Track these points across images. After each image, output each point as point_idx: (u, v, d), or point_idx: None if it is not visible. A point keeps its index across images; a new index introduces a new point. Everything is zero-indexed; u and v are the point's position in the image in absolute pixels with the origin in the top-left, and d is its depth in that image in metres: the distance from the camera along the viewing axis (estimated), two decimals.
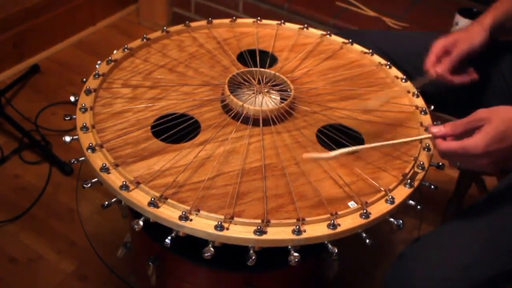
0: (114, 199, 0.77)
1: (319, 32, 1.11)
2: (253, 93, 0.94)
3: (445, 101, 1.08)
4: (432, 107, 0.95)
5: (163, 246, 0.73)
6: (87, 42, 2.02)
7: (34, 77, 1.83)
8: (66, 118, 0.87)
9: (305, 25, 1.13)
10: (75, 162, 0.84)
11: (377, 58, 1.05)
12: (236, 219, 0.72)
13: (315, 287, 1.02)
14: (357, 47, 1.08)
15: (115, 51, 1.01)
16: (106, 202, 0.77)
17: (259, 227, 0.71)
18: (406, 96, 0.98)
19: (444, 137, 0.76)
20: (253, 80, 0.97)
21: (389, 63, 1.04)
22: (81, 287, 1.25)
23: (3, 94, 1.66)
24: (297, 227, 0.72)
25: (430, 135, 0.78)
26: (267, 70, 0.98)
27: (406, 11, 1.74)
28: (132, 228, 0.74)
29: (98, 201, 1.28)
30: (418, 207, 0.78)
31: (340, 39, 1.10)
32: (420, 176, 0.82)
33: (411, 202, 0.79)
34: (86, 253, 1.27)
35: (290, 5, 1.79)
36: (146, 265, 0.90)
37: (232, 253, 0.75)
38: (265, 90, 0.95)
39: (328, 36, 1.11)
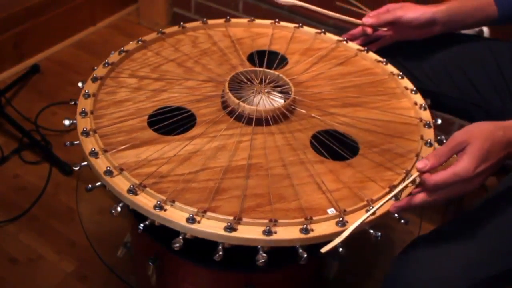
0: (98, 183, 0.79)
1: (335, 38, 1.10)
2: (252, 93, 0.94)
3: (445, 99, 1.08)
4: (429, 101, 0.96)
5: (163, 246, 0.73)
6: (87, 42, 2.02)
7: (34, 77, 1.83)
8: (71, 103, 0.90)
9: (323, 30, 1.12)
10: (69, 144, 0.85)
11: (390, 68, 1.03)
12: (209, 213, 0.72)
13: (315, 287, 1.02)
14: (372, 55, 1.06)
15: (131, 42, 1.04)
16: (90, 185, 0.79)
17: (229, 224, 0.71)
18: (412, 108, 0.95)
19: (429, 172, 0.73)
20: (255, 80, 0.97)
21: (401, 73, 1.02)
22: (81, 287, 1.25)
23: (3, 94, 1.66)
24: (268, 228, 0.71)
25: (418, 173, 0.73)
26: (271, 71, 0.98)
27: None
28: (110, 213, 0.75)
29: (98, 201, 1.28)
30: (402, 221, 0.76)
31: (356, 46, 1.08)
32: (408, 190, 0.78)
33: (396, 215, 0.76)
34: (86, 253, 1.27)
35: None
36: (146, 265, 0.90)
37: (232, 253, 0.75)
38: (266, 91, 0.95)
39: (344, 42, 1.09)
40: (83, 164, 0.81)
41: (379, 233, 0.74)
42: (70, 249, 1.32)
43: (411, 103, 0.96)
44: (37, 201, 1.41)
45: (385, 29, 1.05)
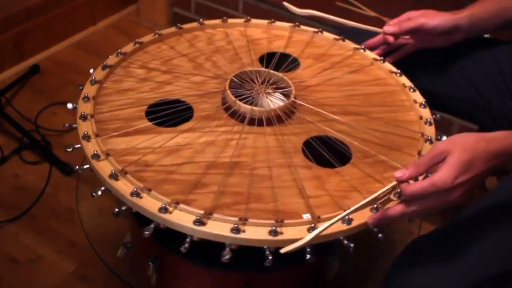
0: (86, 166, 0.81)
1: (352, 46, 1.09)
2: (251, 93, 0.94)
3: (445, 99, 1.08)
4: (438, 115, 0.94)
5: (163, 246, 0.74)
6: (87, 42, 2.02)
7: (34, 77, 1.83)
8: (79, 88, 0.92)
9: (342, 37, 1.10)
10: (68, 127, 0.87)
11: (403, 80, 1.01)
12: (181, 205, 0.73)
13: (315, 287, 1.02)
14: (387, 65, 1.04)
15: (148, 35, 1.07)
16: (77, 167, 0.81)
17: (198, 218, 0.72)
18: (417, 122, 0.93)
19: (408, 182, 0.70)
20: (258, 80, 0.96)
21: (413, 86, 0.99)
22: (81, 287, 1.25)
23: (3, 94, 1.66)
24: (236, 225, 0.71)
25: (395, 182, 0.71)
26: (275, 72, 0.98)
27: (406, 11, 1.74)
28: (91, 195, 0.77)
29: (98, 201, 1.28)
30: (380, 235, 0.74)
31: (372, 55, 1.07)
32: (392, 204, 0.75)
33: (374, 229, 0.73)
34: (86, 253, 1.27)
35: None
36: (146, 265, 0.90)
37: (232, 253, 0.75)
38: (266, 91, 0.94)
39: (361, 50, 1.07)
40: (76, 146, 0.83)
41: (352, 244, 0.73)
42: (70, 249, 1.32)
43: (418, 117, 0.94)
44: (37, 201, 1.41)
45: (407, 37, 1.03)
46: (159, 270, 0.90)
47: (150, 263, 0.89)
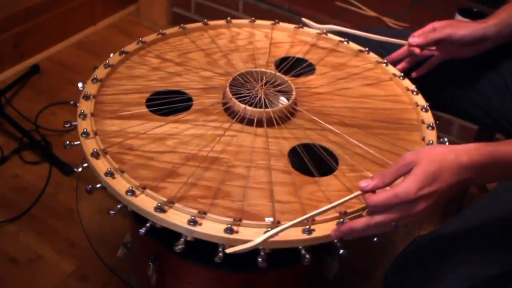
0: (77, 142, 0.83)
1: (375, 59, 1.06)
2: (249, 92, 0.94)
3: (445, 99, 1.08)
4: (446, 139, 0.91)
5: (163, 246, 0.74)
6: (87, 42, 2.03)
7: (34, 77, 1.83)
8: (95, 69, 0.96)
9: (367, 49, 1.07)
10: (73, 105, 0.89)
11: (417, 98, 0.97)
12: (148, 191, 0.74)
13: (315, 287, 1.02)
14: (406, 82, 1.01)
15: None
16: (68, 141, 0.84)
17: (159, 204, 0.72)
18: (419, 143, 0.89)
19: (374, 191, 0.68)
20: (262, 81, 0.96)
21: (427, 105, 0.95)
22: (81, 287, 1.25)
23: (3, 94, 1.66)
24: (193, 218, 0.71)
25: (359, 192, 0.69)
26: (281, 76, 0.97)
27: (406, 11, 1.74)
28: (74, 171, 0.79)
29: (98, 201, 1.29)
30: (341, 251, 0.72)
31: (393, 70, 1.03)
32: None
33: (336, 242, 0.72)
34: (86, 253, 1.27)
35: (290, 5, 1.79)
36: (146, 265, 0.90)
37: (232, 253, 0.74)
38: (265, 93, 0.94)
39: (383, 65, 1.05)
40: (73, 123, 0.86)
41: (308, 256, 0.71)
42: (70, 249, 1.32)
43: (420, 138, 0.90)
44: (37, 201, 1.41)
45: (433, 48, 1.01)
46: (159, 270, 0.90)
47: (150, 263, 0.89)
